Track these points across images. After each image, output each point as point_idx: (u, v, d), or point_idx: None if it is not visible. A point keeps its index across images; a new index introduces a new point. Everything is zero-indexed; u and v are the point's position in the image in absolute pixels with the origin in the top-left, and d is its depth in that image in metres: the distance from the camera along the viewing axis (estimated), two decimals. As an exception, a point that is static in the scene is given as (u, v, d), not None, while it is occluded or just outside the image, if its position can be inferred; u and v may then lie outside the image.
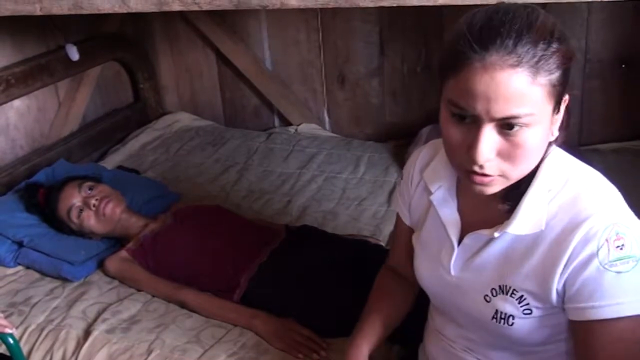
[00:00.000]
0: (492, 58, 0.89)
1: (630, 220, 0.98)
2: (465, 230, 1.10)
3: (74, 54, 2.60)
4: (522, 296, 1.03)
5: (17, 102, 2.50)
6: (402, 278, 1.33)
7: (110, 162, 2.72)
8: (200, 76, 3.14)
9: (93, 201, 1.98)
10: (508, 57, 0.88)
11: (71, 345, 1.67)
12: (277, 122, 3.09)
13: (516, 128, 0.91)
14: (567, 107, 0.99)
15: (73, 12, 1.65)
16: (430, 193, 1.15)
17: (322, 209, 2.29)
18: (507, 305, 1.04)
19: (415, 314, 1.33)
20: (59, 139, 2.71)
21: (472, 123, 0.93)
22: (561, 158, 1.04)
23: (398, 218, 1.30)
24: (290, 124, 3.02)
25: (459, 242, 1.11)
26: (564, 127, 1.01)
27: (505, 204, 1.03)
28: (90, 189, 2.02)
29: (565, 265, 0.97)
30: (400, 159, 2.59)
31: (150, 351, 1.61)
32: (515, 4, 0.94)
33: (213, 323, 1.69)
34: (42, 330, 1.72)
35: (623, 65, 2.54)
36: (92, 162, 2.73)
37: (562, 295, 0.99)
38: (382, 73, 2.84)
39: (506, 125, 0.91)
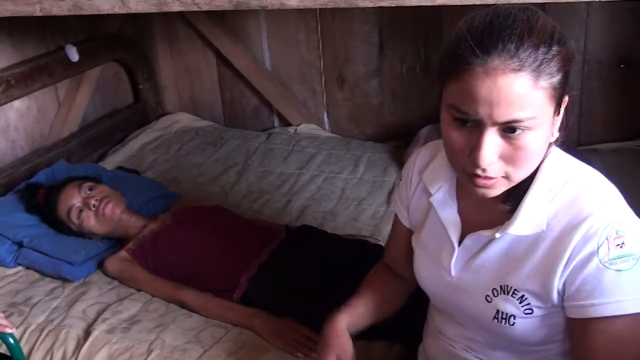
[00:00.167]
0: (494, 63, 0.89)
1: (630, 219, 0.98)
2: (465, 231, 1.10)
3: (73, 54, 2.60)
4: (523, 296, 1.03)
5: (17, 103, 2.51)
6: (396, 275, 1.34)
7: (110, 162, 2.73)
8: (200, 77, 3.14)
9: (93, 202, 1.98)
10: (510, 62, 0.89)
11: (71, 345, 1.67)
12: (276, 122, 3.10)
13: (518, 131, 0.92)
14: (566, 108, 1.00)
15: (73, 13, 1.65)
16: (429, 195, 1.15)
17: (322, 209, 2.29)
18: (509, 305, 1.04)
19: (415, 313, 1.34)
20: (58, 139, 2.71)
21: (474, 127, 0.93)
22: (561, 158, 1.04)
23: (396, 218, 1.30)
24: (290, 124, 3.02)
25: (459, 243, 1.11)
26: (564, 127, 1.02)
27: (506, 204, 1.03)
28: (90, 189, 2.02)
29: (566, 264, 0.97)
30: (399, 159, 2.60)
31: (150, 351, 1.61)
32: (515, 6, 0.94)
33: (213, 323, 1.69)
34: (42, 330, 1.72)
35: (622, 66, 2.54)
36: (92, 162, 2.73)
37: (562, 293, 1.00)
38: (382, 73, 2.85)
39: (508, 129, 0.92)
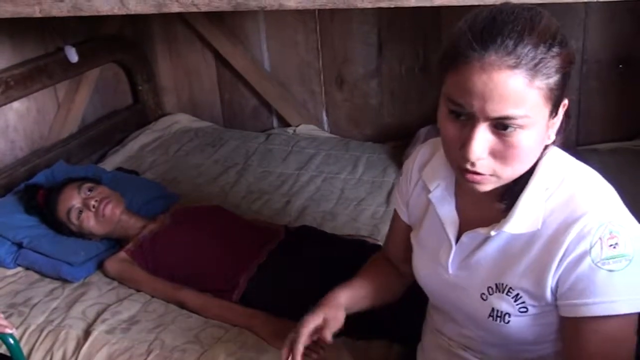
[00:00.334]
0: (491, 58, 0.89)
1: (624, 219, 0.98)
2: (463, 228, 1.11)
3: (73, 55, 2.60)
4: (518, 294, 1.03)
5: (16, 104, 2.51)
6: (394, 267, 1.35)
7: (110, 163, 2.73)
8: (199, 77, 3.14)
9: (92, 202, 1.99)
10: (507, 58, 0.89)
11: (71, 346, 1.68)
12: (275, 123, 3.10)
13: (510, 129, 0.92)
14: (566, 111, 1.00)
15: (72, 14, 1.65)
16: (428, 191, 1.15)
17: (321, 210, 2.30)
18: (503, 304, 1.05)
19: (414, 313, 1.34)
20: (58, 140, 2.71)
21: (467, 120, 0.94)
22: (559, 157, 1.04)
23: (395, 214, 1.31)
24: (289, 125, 3.02)
25: (457, 240, 1.11)
26: (562, 130, 1.02)
27: (502, 202, 1.03)
28: (90, 190, 2.03)
29: (560, 262, 0.97)
30: (398, 159, 2.60)
31: (150, 351, 1.61)
32: (520, 5, 0.94)
33: (212, 323, 1.69)
34: (42, 330, 1.72)
35: (620, 66, 2.54)
36: (91, 163, 2.73)
37: (556, 292, 1.00)
38: (380, 74, 2.85)
39: (501, 125, 0.92)
